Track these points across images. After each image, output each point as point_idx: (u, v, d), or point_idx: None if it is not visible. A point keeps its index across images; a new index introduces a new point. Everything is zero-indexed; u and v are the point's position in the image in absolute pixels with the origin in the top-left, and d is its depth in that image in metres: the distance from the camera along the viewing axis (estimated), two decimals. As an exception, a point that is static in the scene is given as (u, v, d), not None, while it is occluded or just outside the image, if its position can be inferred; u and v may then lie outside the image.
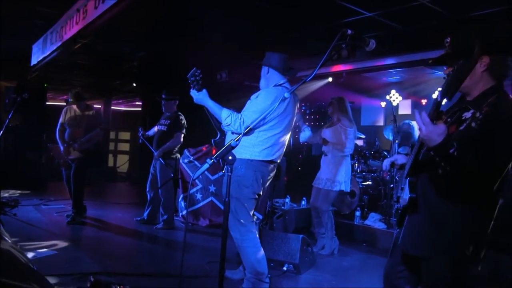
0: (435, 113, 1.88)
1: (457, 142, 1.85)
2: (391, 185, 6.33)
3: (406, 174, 2.16)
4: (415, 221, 2.16)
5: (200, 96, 3.39)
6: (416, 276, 2.26)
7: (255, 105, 3.39)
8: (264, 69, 3.67)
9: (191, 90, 3.41)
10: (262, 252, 3.58)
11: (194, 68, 3.31)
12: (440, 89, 1.95)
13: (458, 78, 1.86)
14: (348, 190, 5.39)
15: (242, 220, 3.49)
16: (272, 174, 3.67)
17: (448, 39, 2.11)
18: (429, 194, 2.12)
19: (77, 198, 6.24)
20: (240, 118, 3.30)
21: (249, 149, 3.44)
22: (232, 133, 3.38)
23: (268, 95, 3.40)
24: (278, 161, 3.65)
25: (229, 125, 3.32)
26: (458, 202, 2.04)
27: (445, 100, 1.88)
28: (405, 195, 2.15)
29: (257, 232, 3.63)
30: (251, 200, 3.53)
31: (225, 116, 3.32)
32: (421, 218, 2.13)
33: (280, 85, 3.58)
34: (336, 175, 5.10)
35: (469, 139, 1.93)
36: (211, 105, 3.41)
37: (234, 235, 3.53)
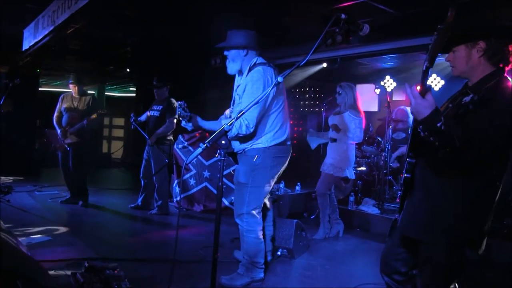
0: (423, 85, 1.91)
1: (446, 118, 1.87)
2: (385, 171, 6.36)
3: (406, 156, 2.17)
4: (415, 204, 2.18)
5: (195, 124, 3.51)
6: (413, 259, 2.29)
7: (250, 101, 3.38)
8: (239, 52, 3.49)
9: (183, 122, 3.53)
10: (263, 242, 3.60)
11: (179, 103, 3.44)
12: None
13: (436, 44, 1.90)
14: (353, 177, 5.43)
15: (253, 211, 3.49)
16: (288, 156, 3.62)
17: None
18: (428, 177, 2.14)
19: (80, 183, 6.39)
20: (244, 121, 3.26)
21: (263, 138, 3.46)
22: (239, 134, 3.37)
23: (257, 84, 3.33)
24: (290, 137, 3.63)
25: (237, 134, 3.30)
26: (457, 185, 2.06)
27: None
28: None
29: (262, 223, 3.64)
30: (267, 188, 3.55)
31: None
32: (420, 201, 2.15)
33: (255, 64, 3.47)
34: (341, 162, 5.12)
35: (461, 117, 1.95)
36: (209, 127, 3.56)
37: (241, 224, 3.54)
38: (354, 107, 5.17)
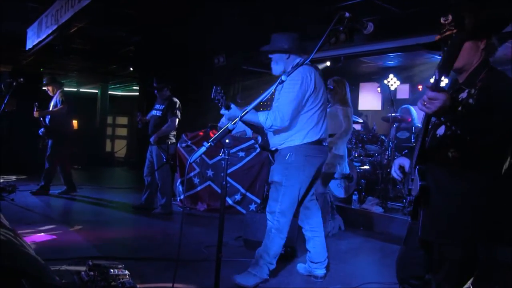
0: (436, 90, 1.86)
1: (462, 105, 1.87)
2: (388, 170, 6.34)
3: (415, 163, 2.14)
4: (430, 208, 2.15)
5: (232, 113, 3.35)
6: (429, 262, 2.28)
7: (287, 96, 3.34)
8: (282, 55, 3.57)
9: (221, 109, 3.41)
10: (282, 247, 3.58)
11: (214, 87, 3.34)
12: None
13: (452, 52, 1.85)
14: (348, 172, 5.39)
15: (285, 210, 3.46)
16: (323, 157, 3.55)
17: (449, 17, 2.06)
18: (440, 180, 2.12)
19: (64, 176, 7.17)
20: (279, 114, 3.29)
21: (296, 135, 3.44)
22: (275, 131, 3.41)
23: (295, 80, 3.34)
24: (325, 137, 3.55)
25: (271, 126, 3.31)
26: (466, 184, 2.05)
27: (444, 82, 1.88)
28: (416, 185, 2.13)
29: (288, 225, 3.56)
30: (301, 188, 3.49)
31: (263, 119, 3.31)
32: (434, 203, 2.13)
33: (297, 64, 3.42)
34: (331, 158, 5.00)
35: (469, 114, 1.94)
36: (246, 117, 3.23)
37: (272, 221, 3.50)
38: (343, 100, 5.08)
